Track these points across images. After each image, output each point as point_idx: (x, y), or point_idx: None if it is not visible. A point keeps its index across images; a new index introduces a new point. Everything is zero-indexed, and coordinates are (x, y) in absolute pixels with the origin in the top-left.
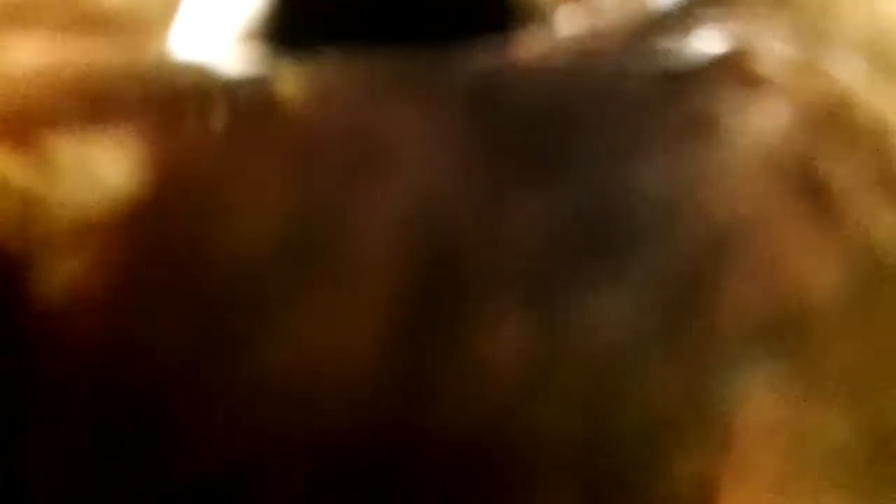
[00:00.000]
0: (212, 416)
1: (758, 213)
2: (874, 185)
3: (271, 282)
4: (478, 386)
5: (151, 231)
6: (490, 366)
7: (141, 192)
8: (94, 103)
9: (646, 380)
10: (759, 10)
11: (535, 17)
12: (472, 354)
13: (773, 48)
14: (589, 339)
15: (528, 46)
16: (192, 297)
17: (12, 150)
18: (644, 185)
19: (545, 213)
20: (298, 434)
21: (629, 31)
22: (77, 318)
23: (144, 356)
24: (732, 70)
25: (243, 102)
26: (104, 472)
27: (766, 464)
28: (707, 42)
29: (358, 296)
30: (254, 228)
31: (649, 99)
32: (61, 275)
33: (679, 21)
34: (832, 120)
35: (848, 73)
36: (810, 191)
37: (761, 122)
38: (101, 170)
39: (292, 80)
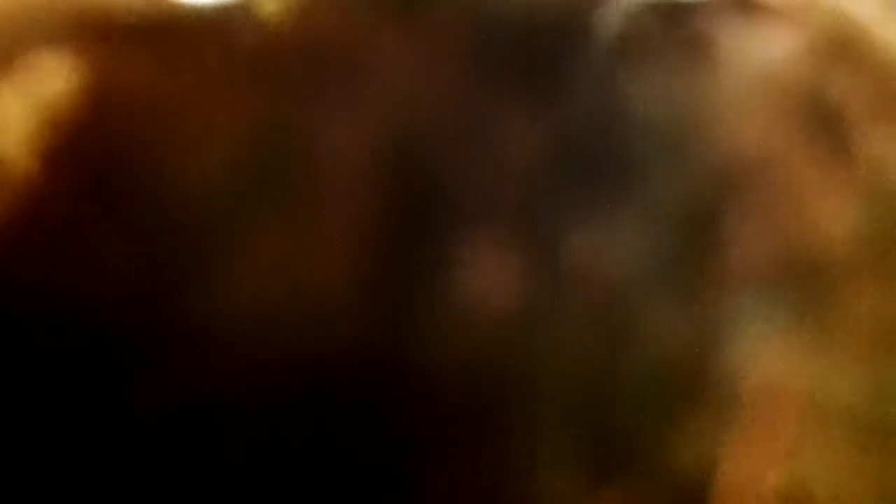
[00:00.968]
0: (177, 346)
1: (767, 147)
2: (891, 119)
3: (231, 208)
4: (463, 324)
5: (93, 154)
6: (475, 301)
7: (81, 114)
8: (31, 19)
9: (650, 322)
10: None
11: None
12: (455, 288)
13: None
14: (586, 275)
15: None
16: (143, 223)
17: None
18: (642, 108)
19: (536, 135)
20: (269, 366)
21: None
22: (21, 246)
23: (94, 285)
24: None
25: (209, 18)
26: (60, 406)
27: (776, 428)
28: None
29: (327, 222)
30: (207, 152)
31: (645, 21)
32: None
33: None
34: (842, 50)
35: (857, 5)
36: (822, 124)
37: (767, 49)
38: (41, 89)
39: None
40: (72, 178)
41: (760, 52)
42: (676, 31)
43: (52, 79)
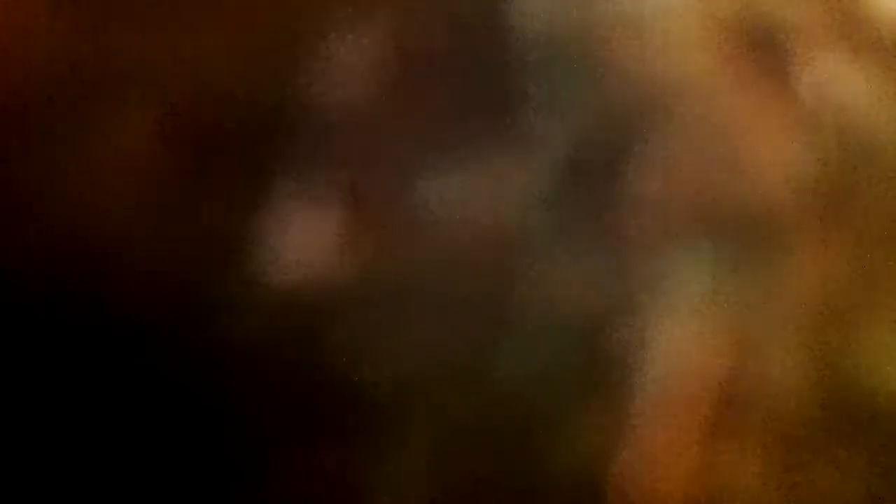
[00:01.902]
0: None
1: (695, 70)
2: (832, 33)
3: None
4: (274, 290)
5: None
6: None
7: None
8: None
9: (534, 290)
10: None
11: None
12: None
13: None
14: (447, 233)
15: None
16: None
17: None
18: (525, 23)
19: (375, 44)
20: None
21: None
22: None
23: None
24: None
25: None
26: None
27: (692, 413)
28: None
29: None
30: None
31: None
32: None
33: None
34: None
35: None
36: (757, 45)
37: None
38: None
39: None
40: None
41: None
42: None
43: None
